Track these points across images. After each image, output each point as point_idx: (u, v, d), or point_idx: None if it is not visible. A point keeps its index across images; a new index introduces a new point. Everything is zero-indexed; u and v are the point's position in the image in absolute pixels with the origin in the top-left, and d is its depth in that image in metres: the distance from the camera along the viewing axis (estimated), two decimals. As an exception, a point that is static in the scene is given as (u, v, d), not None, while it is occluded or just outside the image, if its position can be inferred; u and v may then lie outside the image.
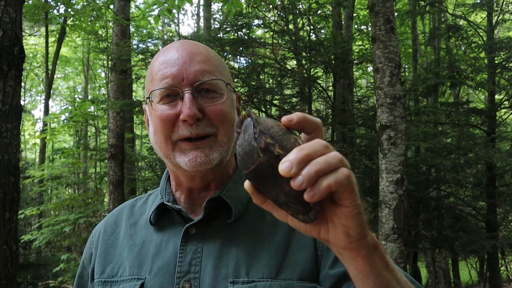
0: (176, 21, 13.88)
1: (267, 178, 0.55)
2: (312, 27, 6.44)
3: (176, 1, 4.24)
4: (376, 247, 0.62)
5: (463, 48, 7.28)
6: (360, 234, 0.58)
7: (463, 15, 7.24)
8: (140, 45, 7.29)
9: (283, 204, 0.57)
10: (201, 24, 12.22)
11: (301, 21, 6.57)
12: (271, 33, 6.35)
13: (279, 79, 6.57)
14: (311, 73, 6.18)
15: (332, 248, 0.63)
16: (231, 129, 0.88)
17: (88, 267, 1.00)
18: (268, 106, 6.99)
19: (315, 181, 0.52)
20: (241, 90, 5.87)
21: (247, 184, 0.58)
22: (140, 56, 6.57)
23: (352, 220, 0.56)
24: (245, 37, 6.33)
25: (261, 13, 6.44)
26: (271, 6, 6.17)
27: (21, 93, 3.37)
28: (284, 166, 0.51)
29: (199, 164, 0.85)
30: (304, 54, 6.09)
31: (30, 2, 5.49)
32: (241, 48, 5.95)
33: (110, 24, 9.12)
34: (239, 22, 6.07)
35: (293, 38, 6.09)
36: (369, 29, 8.44)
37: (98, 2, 6.81)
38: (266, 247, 0.86)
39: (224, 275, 0.84)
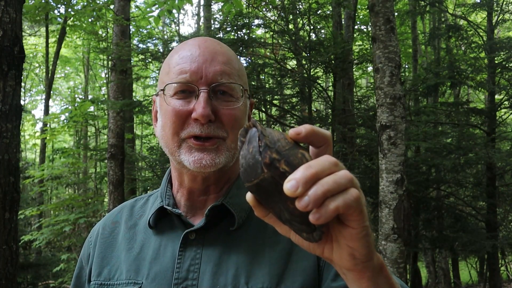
0: (176, 21, 13.88)
1: (270, 194, 0.52)
2: (312, 27, 6.44)
3: (176, 1, 4.23)
4: (381, 268, 0.59)
5: (463, 48, 7.28)
6: (366, 257, 0.55)
7: (463, 15, 7.25)
8: (140, 45, 7.30)
9: (286, 221, 0.54)
10: (201, 24, 12.22)
11: (301, 21, 6.57)
12: (271, 33, 6.35)
13: (279, 79, 6.57)
14: (311, 73, 6.18)
15: (335, 267, 0.60)
16: None
17: (86, 267, 0.98)
18: (268, 106, 7.00)
19: (322, 203, 0.48)
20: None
21: (249, 196, 0.55)
22: (140, 56, 6.58)
23: (358, 242, 0.53)
24: (245, 37, 6.33)
25: (261, 13, 6.44)
26: (271, 6, 6.17)
27: (21, 93, 3.37)
28: (290, 185, 0.48)
29: (203, 166, 0.83)
30: (304, 54, 6.09)
31: (31, 2, 5.48)
32: (241, 48, 5.95)
33: (110, 24, 9.13)
34: (239, 22, 6.07)
35: (293, 38, 6.09)
36: (369, 29, 8.43)
37: (98, 2, 6.81)
38: (267, 256, 0.83)
39: (222, 283, 0.81)
